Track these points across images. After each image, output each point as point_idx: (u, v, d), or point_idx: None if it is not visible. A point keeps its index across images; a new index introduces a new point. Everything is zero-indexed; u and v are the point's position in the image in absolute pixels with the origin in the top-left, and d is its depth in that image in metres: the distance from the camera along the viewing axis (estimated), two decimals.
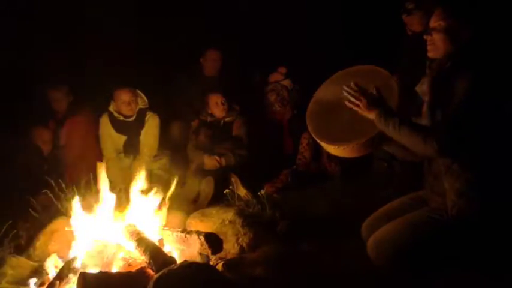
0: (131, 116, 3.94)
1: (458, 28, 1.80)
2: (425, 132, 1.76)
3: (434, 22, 1.86)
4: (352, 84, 2.04)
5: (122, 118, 3.93)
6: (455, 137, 1.71)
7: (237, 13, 4.77)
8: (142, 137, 4.00)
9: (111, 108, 3.97)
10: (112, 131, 3.97)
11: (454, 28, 1.81)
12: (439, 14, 1.84)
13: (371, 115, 1.93)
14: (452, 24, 1.81)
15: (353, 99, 2.00)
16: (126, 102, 3.86)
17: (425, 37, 1.89)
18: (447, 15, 1.82)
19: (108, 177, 2.71)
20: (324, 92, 2.24)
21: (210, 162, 3.78)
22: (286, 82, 4.18)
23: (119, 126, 3.95)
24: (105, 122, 3.99)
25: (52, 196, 3.00)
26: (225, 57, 4.44)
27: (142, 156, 3.97)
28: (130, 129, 3.96)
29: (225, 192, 3.13)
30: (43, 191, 3.06)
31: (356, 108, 1.99)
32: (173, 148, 4.13)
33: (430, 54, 1.90)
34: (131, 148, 3.99)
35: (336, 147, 2.08)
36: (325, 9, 4.55)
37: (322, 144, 2.15)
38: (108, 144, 4.02)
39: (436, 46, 1.86)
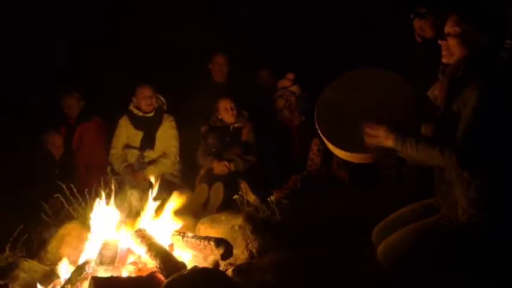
0: (150, 112, 4.08)
1: (473, 34, 1.79)
2: (441, 146, 1.73)
3: (449, 27, 1.84)
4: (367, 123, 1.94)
5: (141, 114, 4.08)
6: (472, 149, 1.69)
7: (248, 19, 4.81)
8: (164, 137, 4.09)
9: (131, 107, 4.12)
10: (131, 128, 4.09)
11: (469, 34, 1.79)
12: (455, 20, 1.83)
13: (388, 142, 1.88)
14: (467, 30, 1.80)
15: (371, 139, 1.94)
16: (146, 96, 4.05)
17: (439, 42, 1.87)
18: (463, 21, 1.81)
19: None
20: (334, 94, 2.17)
21: (219, 167, 3.78)
22: (295, 88, 4.19)
23: (137, 122, 4.09)
24: (124, 122, 4.12)
25: (63, 200, 3.04)
26: (233, 62, 4.46)
27: (170, 156, 4.06)
28: (148, 124, 4.09)
29: (234, 197, 3.14)
30: (55, 195, 3.10)
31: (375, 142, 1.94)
32: (184, 154, 4.17)
33: (444, 60, 1.88)
34: (147, 144, 4.07)
35: (347, 153, 2.05)
36: (334, 16, 4.57)
37: (332, 148, 2.11)
38: (120, 143, 4.09)
39: (450, 52, 1.84)
